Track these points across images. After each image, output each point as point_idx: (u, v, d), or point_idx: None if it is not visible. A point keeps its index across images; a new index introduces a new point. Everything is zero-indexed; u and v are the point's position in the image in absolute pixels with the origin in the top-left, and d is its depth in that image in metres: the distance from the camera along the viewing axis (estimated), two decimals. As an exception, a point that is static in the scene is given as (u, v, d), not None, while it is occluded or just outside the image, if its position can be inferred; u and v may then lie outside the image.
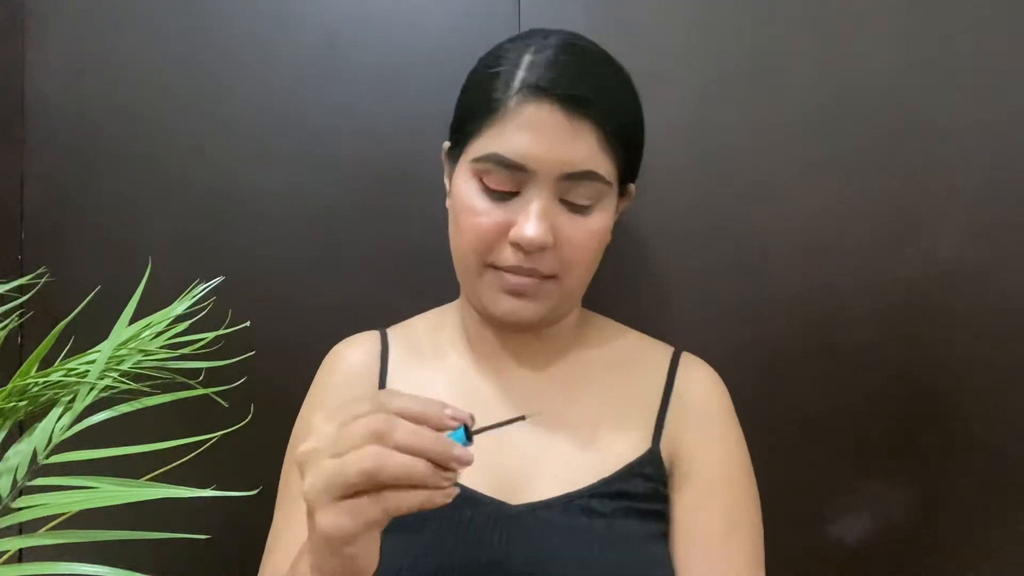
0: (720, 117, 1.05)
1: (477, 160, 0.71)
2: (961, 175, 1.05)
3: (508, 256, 0.71)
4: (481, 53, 0.78)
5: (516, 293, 0.72)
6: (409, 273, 1.06)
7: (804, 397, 1.06)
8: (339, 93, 1.07)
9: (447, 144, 0.80)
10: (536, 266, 0.71)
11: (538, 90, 0.69)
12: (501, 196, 0.71)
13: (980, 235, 1.05)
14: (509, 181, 0.70)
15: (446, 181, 0.82)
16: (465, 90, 0.77)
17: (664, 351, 0.85)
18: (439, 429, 0.50)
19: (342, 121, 1.07)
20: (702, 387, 0.82)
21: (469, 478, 0.71)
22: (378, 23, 1.07)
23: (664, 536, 0.75)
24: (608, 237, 0.76)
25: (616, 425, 0.78)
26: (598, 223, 0.73)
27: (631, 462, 0.76)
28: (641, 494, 0.75)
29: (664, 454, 0.78)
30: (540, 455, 0.76)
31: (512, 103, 0.69)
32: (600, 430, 0.78)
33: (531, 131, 0.68)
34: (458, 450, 0.50)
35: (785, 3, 1.05)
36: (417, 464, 0.48)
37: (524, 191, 0.70)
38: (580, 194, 0.71)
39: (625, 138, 0.73)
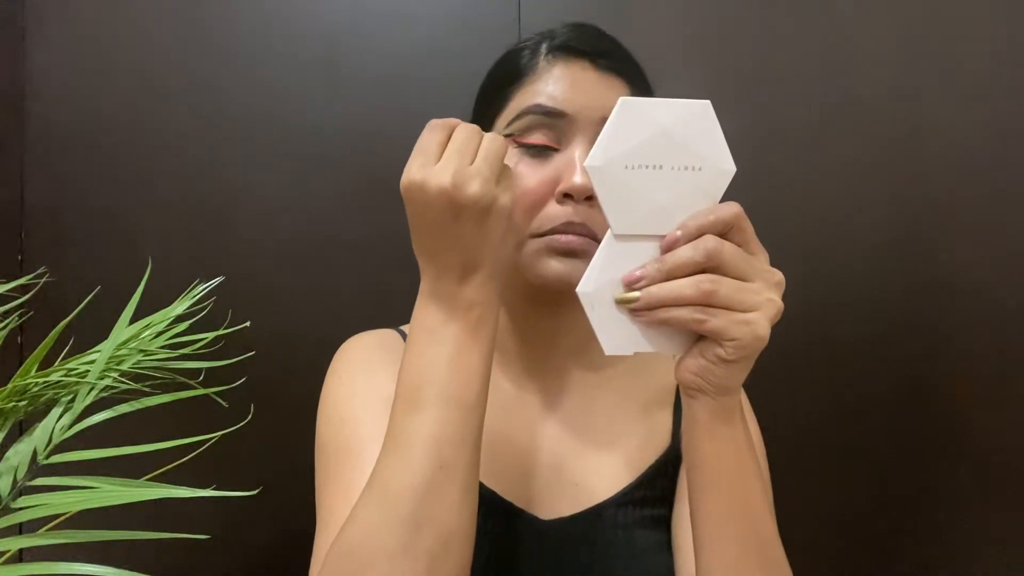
0: (720, 123, 1.05)
1: (514, 119, 0.70)
2: (961, 179, 1.05)
3: (557, 215, 0.68)
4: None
5: (567, 252, 0.68)
6: (410, 274, 1.06)
7: (805, 399, 1.06)
8: (339, 94, 1.07)
9: None
10: (586, 221, 0.68)
11: (567, 49, 0.71)
12: (541, 153, 0.69)
13: (980, 238, 1.05)
14: (549, 135, 0.69)
15: None
16: (485, 84, 0.77)
17: None
18: None
19: (342, 122, 1.07)
20: None
21: (497, 485, 0.72)
22: (377, 24, 1.07)
23: (669, 546, 0.75)
24: None
25: (637, 424, 0.78)
26: None
27: (654, 463, 0.76)
28: (659, 497, 0.74)
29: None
30: (565, 463, 0.75)
31: (542, 63, 0.72)
32: (621, 431, 0.77)
33: (566, 82, 0.70)
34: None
35: (785, 10, 1.06)
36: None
37: (564, 145, 0.69)
38: None
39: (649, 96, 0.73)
